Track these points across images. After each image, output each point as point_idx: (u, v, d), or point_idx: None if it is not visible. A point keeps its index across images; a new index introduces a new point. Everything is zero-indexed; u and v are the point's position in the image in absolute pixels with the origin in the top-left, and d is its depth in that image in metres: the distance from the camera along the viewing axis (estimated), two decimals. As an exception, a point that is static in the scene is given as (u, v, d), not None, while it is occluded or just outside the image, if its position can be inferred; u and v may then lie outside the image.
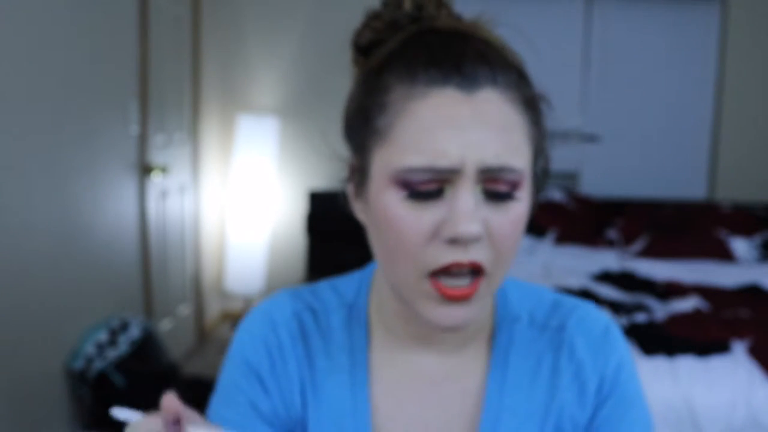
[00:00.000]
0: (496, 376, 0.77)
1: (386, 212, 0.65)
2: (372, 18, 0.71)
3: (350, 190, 0.73)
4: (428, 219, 0.64)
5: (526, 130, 0.67)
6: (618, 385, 0.77)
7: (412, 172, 0.63)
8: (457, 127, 0.63)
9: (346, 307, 0.80)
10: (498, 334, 0.78)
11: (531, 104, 0.69)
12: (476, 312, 0.67)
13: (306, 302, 0.80)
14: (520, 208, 0.66)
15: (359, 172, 0.70)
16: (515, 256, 0.69)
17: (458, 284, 0.65)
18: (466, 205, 0.63)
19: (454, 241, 0.63)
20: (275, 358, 0.77)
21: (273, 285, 4.09)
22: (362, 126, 0.69)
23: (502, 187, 0.64)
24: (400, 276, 0.67)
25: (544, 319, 0.79)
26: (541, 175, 0.73)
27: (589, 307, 0.81)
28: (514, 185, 0.65)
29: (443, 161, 0.62)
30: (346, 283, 0.82)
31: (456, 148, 0.62)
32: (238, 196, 4.00)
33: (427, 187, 0.63)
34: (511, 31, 0.75)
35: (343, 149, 0.74)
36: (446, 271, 0.64)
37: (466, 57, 0.65)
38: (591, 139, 4.26)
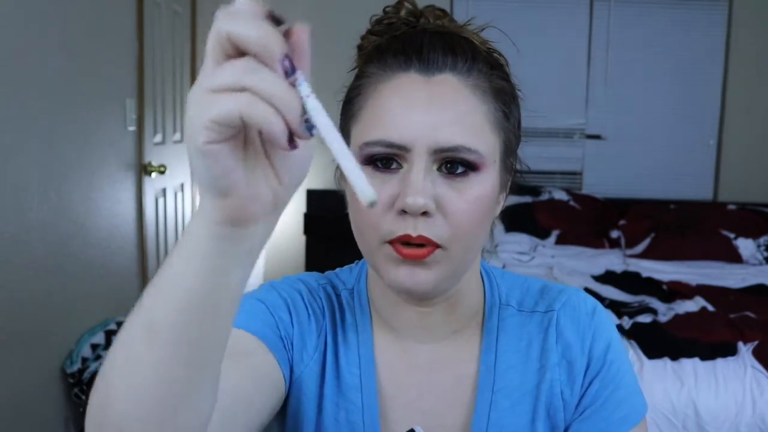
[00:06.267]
0: (487, 361, 0.80)
1: None
2: (374, 24, 0.77)
3: (338, 175, 0.75)
4: (386, 191, 0.69)
5: (491, 117, 0.71)
6: (605, 365, 0.79)
7: (369, 146, 0.69)
8: (412, 108, 0.68)
9: (347, 291, 0.85)
10: (488, 321, 0.82)
11: (500, 94, 0.73)
12: (437, 278, 0.70)
13: (326, 279, 0.86)
14: (478, 188, 0.70)
15: None
16: (480, 238, 0.73)
17: (413, 247, 0.69)
18: (414, 179, 0.67)
19: (404, 212, 0.68)
20: (309, 308, 0.81)
21: (272, 285, 4.06)
22: (345, 108, 0.76)
23: (458, 168, 0.69)
24: (365, 242, 0.72)
25: (532, 303, 0.83)
26: (512, 171, 0.77)
27: (575, 291, 0.84)
28: (473, 166, 0.69)
29: (394, 137, 0.68)
30: (346, 272, 0.88)
31: (408, 127, 0.68)
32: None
33: (385, 163, 0.69)
34: (516, 33, 0.80)
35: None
36: (399, 241, 0.69)
37: (429, 44, 0.71)
38: (595, 138, 4.22)
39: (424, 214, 0.68)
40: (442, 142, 0.68)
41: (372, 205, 0.44)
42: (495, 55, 0.76)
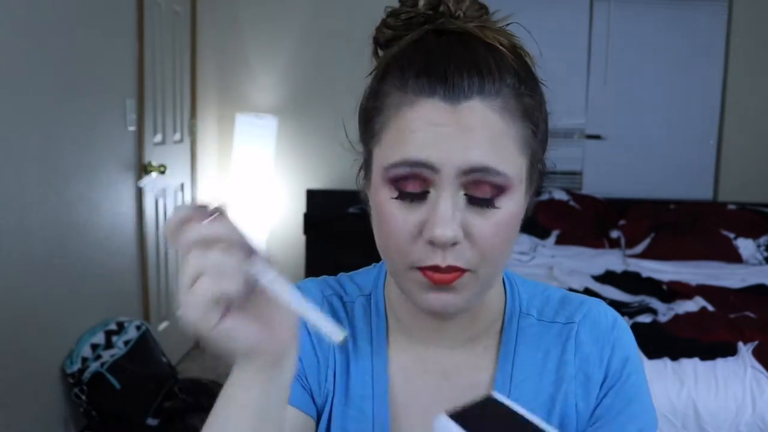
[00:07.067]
0: (504, 370, 0.79)
1: (379, 209, 0.70)
2: (390, 15, 0.74)
3: (360, 178, 0.77)
4: (414, 219, 0.67)
5: (519, 139, 0.69)
6: (621, 378, 0.78)
7: (393, 168, 0.67)
8: (439, 133, 0.66)
9: (364, 296, 0.83)
10: (507, 330, 0.80)
11: (528, 113, 0.70)
12: (464, 300, 0.70)
13: (333, 289, 0.83)
14: (505, 211, 0.68)
15: (366, 166, 0.75)
16: (507, 255, 0.72)
17: (442, 272, 0.68)
18: (443, 209, 0.66)
19: (433, 243, 0.67)
20: (312, 336, 0.80)
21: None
22: (366, 126, 0.73)
23: (486, 192, 0.67)
24: (393, 266, 0.72)
25: (552, 314, 0.81)
26: (538, 179, 0.75)
27: (596, 303, 0.82)
28: (500, 189, 0.67)
29: (422, 156, 0.65)
30: (364, 275, 0.85)
31: (436, 147, 0.65)
32: (236, 196, 3.97)
33: (412, 188, 0.67)
34: (527, 31, 0.77)
35: (341, 148, 0.79)
36: (428, 269, 0.68)
37: (455, 67, 0.67)
38: (595, 138, 4.22)
39: (453, 244, 0.67)
40: (473, 162, 0.65)
41: (344, 340, 0.55)
42: (520, 52, 0.72)
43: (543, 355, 0.79)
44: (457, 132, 0.66)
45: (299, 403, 0.77)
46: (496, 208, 0.67)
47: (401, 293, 0.76)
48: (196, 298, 0.53)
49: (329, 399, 0.80)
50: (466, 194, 0.67)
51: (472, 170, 0.66)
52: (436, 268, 0.67)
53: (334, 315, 0.82)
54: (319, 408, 0.80)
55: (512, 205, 0.69)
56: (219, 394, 0.60)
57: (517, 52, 0.71)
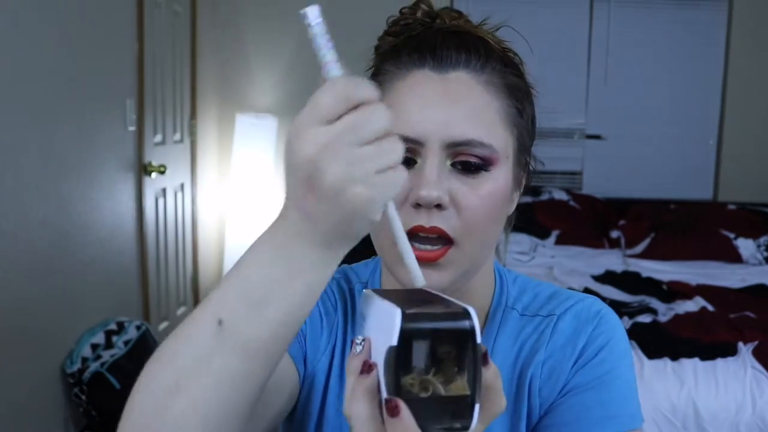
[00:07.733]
0: None
1: None
2: (391, 24, 0.79)
3: None
4: None
5: (504, 113, 0.73)
6: (593, 361, 0.77)
7: None
8: (426, 104, 0.70)
9: (362, 284, 0.86)
10: (490, 323, 0.82)
11: (514, 91, 0.74)
12: (450, 278, 0.71)
13: (340, 272, 0.87)
14: (491, 184, 0.71)
15: None
16: (492, 234, 0.74)
17: (427, 248, 0.70)
18: (428, 172, 0.68)
19: (418, 205, 0.69)
20: (320, 305, 0.81)
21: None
22: None
23: (472, 159, 0.70)
24: (380, 239, 0.73)
25: (536, 309, 0.83)
26: (526, 169, 0.78)
27: (585, 297, 0.82)
28: (486, 161, 0.70)
29: (408, 131, 0.69)
30: (362, 266, 0.89)
31: (422, 122, 0.69)
32: (236, 196, 3.97)
33: None
34: (517, 32, 0.82)
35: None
36: (414, 236, 0.69)
37: (443, 42, 0.73)
38: (595, 138, 4.22)
39: (438, 207, 0.69)
40: (456, 136, 0.69)
41: (422, 286, 0.57)
42: (509, 54, 0.77)
43: (519, 346, 0.81)
44: (444, 101, 0.70)
45: (294, 354, 0.78)
46: (482, 177, 0.70)
47: (394, 281, 0.77)
48: (397, 187, 0.51)
49: (321, 375, 0.81)
50: (452, 164, 0.70)
51: (456, 144, 0.69)
52: (419, 229, 0.69)
53: (342, 295, 0.84)
54: (307, 373, 0.80)
55: (499, 178, 0.71)
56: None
57: (506, 53, 0.77)
